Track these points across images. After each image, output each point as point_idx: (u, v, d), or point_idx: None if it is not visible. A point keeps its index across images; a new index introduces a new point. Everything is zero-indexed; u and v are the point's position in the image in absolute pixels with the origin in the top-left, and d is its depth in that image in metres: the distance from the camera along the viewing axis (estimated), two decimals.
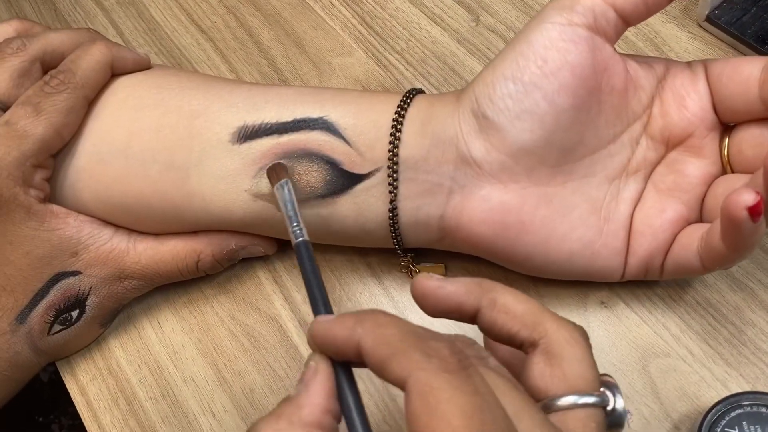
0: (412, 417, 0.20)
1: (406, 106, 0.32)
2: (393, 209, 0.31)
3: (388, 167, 0.31)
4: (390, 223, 0.32)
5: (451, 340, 0.22)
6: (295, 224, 0.29)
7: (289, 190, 0.30)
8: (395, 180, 0.31)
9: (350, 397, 0.23)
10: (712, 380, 0.31)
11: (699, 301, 0.32)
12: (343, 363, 0.24)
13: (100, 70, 0.33)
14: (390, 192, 0.31)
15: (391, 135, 0.31)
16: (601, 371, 0.31)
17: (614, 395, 0.23)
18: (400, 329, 0.22)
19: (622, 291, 0.33)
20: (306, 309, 0.36)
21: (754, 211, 0.25)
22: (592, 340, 0.32)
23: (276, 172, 0.31)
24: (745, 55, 0.37)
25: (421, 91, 0.33)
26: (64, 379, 0.37)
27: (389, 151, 0.31)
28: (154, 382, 0.36)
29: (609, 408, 0.23)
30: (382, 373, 0.21)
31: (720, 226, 0.27)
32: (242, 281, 0.37)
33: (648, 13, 0.29)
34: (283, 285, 0.37)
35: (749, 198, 0.25)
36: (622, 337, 0.32)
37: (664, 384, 0.31)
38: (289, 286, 0.37)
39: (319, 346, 0.24)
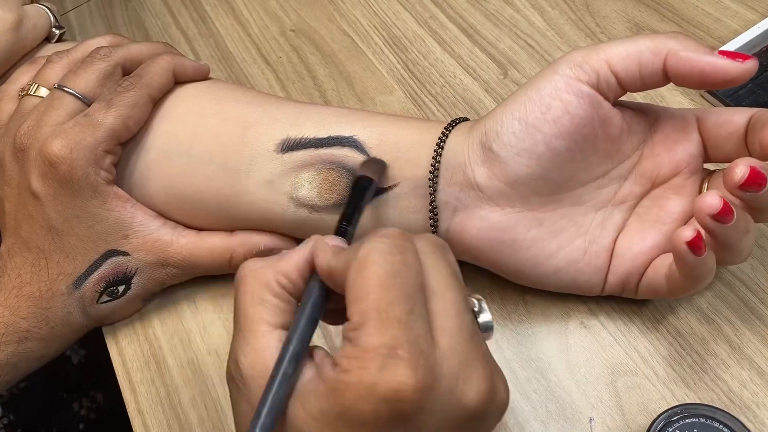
0: (349, 274, 0.26)
1: (447, 132, 0.35)
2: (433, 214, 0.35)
3: (430, 186, 0.35)
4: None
5: (413, 234, 0.28)
6: (344, 224, 0.32)
7: (367, 188, 0.33)
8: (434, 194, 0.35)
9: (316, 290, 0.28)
10: (672, 399, 0.34)
11: (669, 330, 0.36)
12: None
13: (164, 74, 0.39)
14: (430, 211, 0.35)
15: (432, 158, 0.35)
16: (574, 384, 0.35)
17: (479, 303, 0.29)
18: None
19: (601, 314, 0.37)
20: None
21: (692, 245, 0.29)
22: (570, 356, 0.36)
23: (369, 166, 0.35)
24: None
25: (465, 119, 0.37)
26: (106, 340, 0.42)
27: (431, 173, 0.35)
28: (183, 351, 0.41)
29: (476, 309, 0.29)
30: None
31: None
32: None
33: (644, 87, 0.32)
34: None
35: (688, 233, 0.29)
36: (596, 355, 0.36)
37: (628, 398, 0.34)
38: None
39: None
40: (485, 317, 0.29)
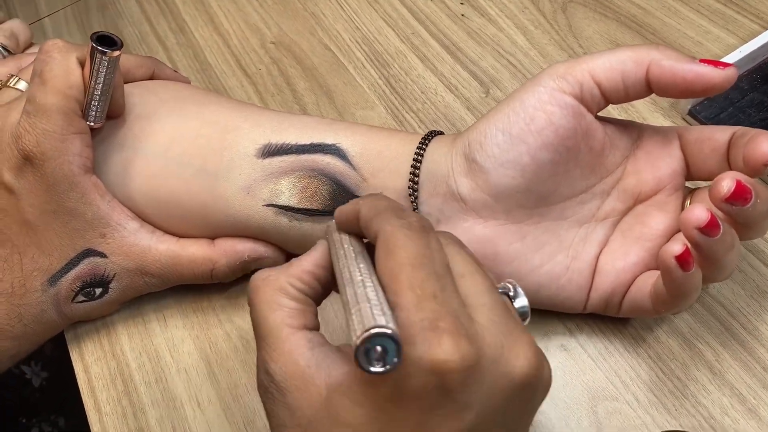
0: (377, 259, 0.26)
1: (426, 143, 0.35)
2: None
3: (410, 195, 0.35)
4: None
5: (429, 222, 0.28)
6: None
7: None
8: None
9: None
10: (653, 426, 0.33)
11: (650, 355, 0.35)
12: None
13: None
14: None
15: (411, 167, 0.35)
16: (554, 408, 0.35)
17: (514, 288, 0.28)
18: (389, 202, 0.28)
19: (581, 336, 0.36)
20: None
21: (681, 260, 0.29)
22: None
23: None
24: None
25: (440, 132, 0.37)
26: (71, 356, 0.40)
27: (411, 183, 0.35)
28: (151, 369, 0.39)
29: (511, 294, 0.28)
30: (367, 230, 0.28)
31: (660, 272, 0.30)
32: (245, 290, 0.41)
33: (627, 98, 0.32)
34: None
35: (676, 248, 0.29)
36: (576, 378, 0.35)
37: (608, 424, 0.33)
38: None
39: (336, 220, 0.30)
40: (521, 302, 0.28)
